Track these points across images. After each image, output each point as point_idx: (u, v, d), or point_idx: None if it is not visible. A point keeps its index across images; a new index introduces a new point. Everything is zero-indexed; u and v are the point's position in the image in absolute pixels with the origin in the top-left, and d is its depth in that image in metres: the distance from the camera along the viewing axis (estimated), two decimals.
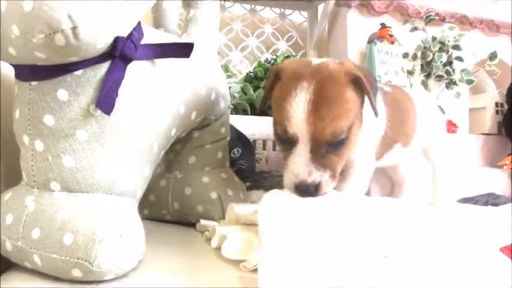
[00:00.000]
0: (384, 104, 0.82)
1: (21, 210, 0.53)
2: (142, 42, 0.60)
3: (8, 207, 0.54)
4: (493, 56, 1.50)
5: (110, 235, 0.50)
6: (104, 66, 0.54)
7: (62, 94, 0.53)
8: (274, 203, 0.59)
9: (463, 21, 1.57)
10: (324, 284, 0.47)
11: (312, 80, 0.61)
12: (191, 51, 0.61)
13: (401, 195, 1.13)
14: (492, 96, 1.64)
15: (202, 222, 0.78)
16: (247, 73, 1.31)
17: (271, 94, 0.66)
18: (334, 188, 0.78)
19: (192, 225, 0.81)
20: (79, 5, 0.45)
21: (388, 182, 1.18)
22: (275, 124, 0.65)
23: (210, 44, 0.87)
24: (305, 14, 1.52)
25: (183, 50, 0.61)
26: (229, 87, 1.13)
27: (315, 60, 0.67)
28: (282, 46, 1.48)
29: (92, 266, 0.49)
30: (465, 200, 1.33)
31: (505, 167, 1.43)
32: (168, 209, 0.85)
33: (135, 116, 0.59)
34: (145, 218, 0.85)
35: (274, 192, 0.62)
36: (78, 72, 0.53)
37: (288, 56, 1.27)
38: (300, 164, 0.62)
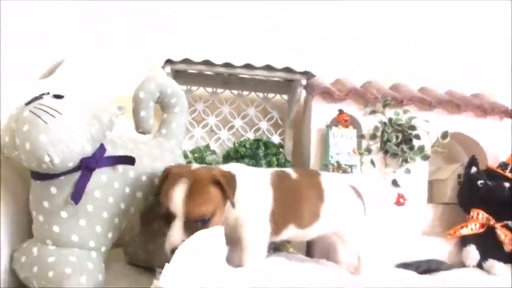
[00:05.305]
0: (272, 187, 1.12)
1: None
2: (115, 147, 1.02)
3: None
4: (444, 135, 1.77)
5: None
6: (78, 173, 0.96)
7: (53, 189, 0.95)
8: None
9: (423, 102, 1.84)
10: None
11: (187, 179, 0.97)
12: (134, 161, 1.03)
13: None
14: (454, 168, 1.89)
15: None
16: (226, 151, 1.69)
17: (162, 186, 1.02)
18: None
19: None
20: (54, 147, 0.88)
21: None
22: (161, 206, 0.99)
23: (177, 139, 1.27)
24: (285, 96, 1.90)
25: (130, 160, 1.02)
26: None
27: (194, 166, 1.05)
28: (264, 125, 1.86)
29: None
30: (406, 266, 1.54)
31: (448, 236, 1.68)
32: None
33: (100, 201, 1.00)
34: None
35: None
36: (62, 177, 0.95)
37: (256, 140, 1.63)
38: (175, 234, 0.94)
